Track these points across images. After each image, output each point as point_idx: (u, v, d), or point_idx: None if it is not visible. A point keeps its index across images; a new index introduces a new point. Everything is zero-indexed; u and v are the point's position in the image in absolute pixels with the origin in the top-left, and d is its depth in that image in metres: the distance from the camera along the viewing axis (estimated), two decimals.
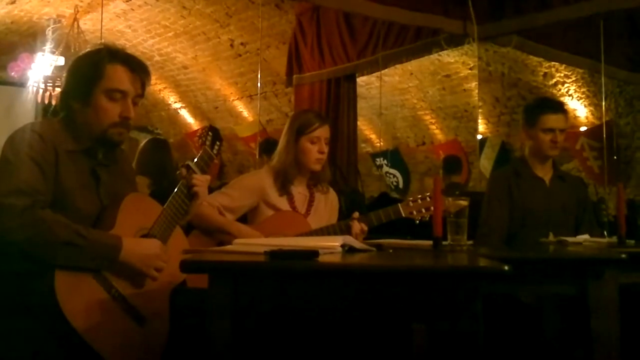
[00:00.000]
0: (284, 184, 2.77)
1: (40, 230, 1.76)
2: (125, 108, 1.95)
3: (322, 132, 2.78)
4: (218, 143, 2.21)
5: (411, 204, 2.74)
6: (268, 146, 4.81)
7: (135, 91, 1.98)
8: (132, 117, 1.97)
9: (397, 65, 6.46)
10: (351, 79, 5.97)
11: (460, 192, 2.61)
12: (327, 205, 2.89)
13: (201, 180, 2.08)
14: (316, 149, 2.76)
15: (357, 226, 2.65)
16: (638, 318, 2.38)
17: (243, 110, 9.39)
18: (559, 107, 3.17)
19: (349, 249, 1.85)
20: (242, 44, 7.93)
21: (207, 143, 2.16)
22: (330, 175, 2.94)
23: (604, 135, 5.96)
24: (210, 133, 2.20)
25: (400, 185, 8.63)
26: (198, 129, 9.19)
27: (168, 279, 1.99)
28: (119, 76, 1.95)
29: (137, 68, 2.00)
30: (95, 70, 1.93)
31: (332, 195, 2.95)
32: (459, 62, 7.13)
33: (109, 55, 1.96)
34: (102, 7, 6.70)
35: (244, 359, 1.62)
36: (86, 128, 1.95)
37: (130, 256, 1.86)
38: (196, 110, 10.07)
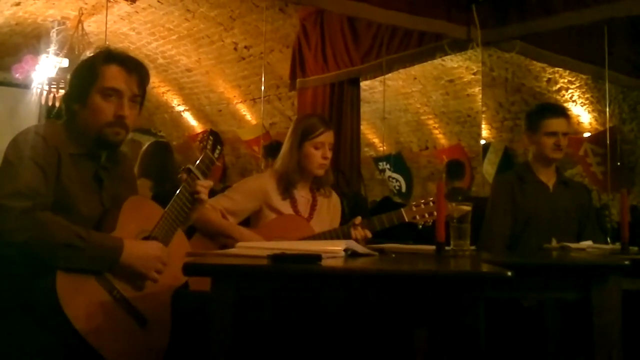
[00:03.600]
0: (286, 188, 2.77)
1: (39, 232, 1.76)
2: (119, 107, 1.95)
3: (326, 137, 2.78)
4: (219, 147, 2.22)
5: (414, 208, 2.74)
6: (273, 149, 4.79)
7: (131, 91, 1.98)
8: (127, 116, 1.96)
9: (401, 70, 6.45)
10: (355, 83, 5.97)
11: (463, 197, 2.60)
12: (329, 209, 2.89)
13: (204, 187, 2.08)
14: (320, 154, 2.76)
15: (357, 233, 2.64)
16: None
17: (246, 113, 9.39)
18: (561, 111, 3.17)
19: (351, 254, 1.85)
20: (245, 47, 7.93)
21: (208, 147, 2.17)
22: (333, 179, 2.94)
23: (608, 141, 5.94)
24: (210, 137, 2.21)
25: (403, 190, 8.63)
26: (201, 132, 9.19)
27: (170, 282, 1.99)
28: (113, 75, 1.96)
29: (134, 68, 2.00)
30: (91, 71, 1.96)
31: (335, 198, 2.95)
32: (462, 67, 7.12)
33: (105, 57, 1.99)
34: (106, 9, 6.70)
35: None
36: (85, 129, 1.96)
37: (131, 258, 1.86)
38: (199, 113, 10.07)
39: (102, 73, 1.95)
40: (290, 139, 2.80)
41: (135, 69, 2.01)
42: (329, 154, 2.79)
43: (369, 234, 2.67)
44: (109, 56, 1.99)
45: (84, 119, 1.96)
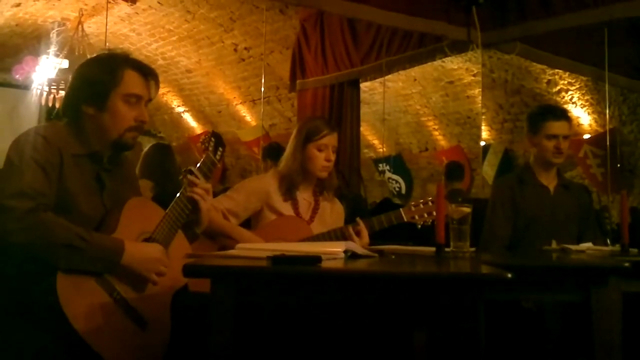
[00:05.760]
0: (289, 190, 2.75)
1: (41, 233, 1.76)
2: (140, 112, 2.00)
3: (330, 139, 2.77)
4: (220, 149, 2.21)
5: (413, 208, 2.73)
6: (272, 151, 4.80)
7: (148, 96, 2.03)
8: (147, 121, 2.02)
9: (401, 71, 6.46)
10: (354, 84, 5.97)
11: (463, 199, 2.60)
12: (332, 214, 2.87)
13: (203, 190, 2.08)
14: (323, 157, 2.75)
15: (350, 231, 2.64)
16: None
17: (246, 114, 9.40)
18: (562, 114, 3.17)
19: (351, 255, 1.85)
20: (245, 48, 7.94)
21: (210, 149, 2.16)
22: (337, 183, 2.92)
23: (608, 143, 5.94)
24: (212, 139, 2.20)
25: (403, 191, 8.63)
26: (201, 133, 9.20)
27: (170, 283, 1.99)
28: (135, 81, 1.99)
29: (149, 73, 2.04)
30: (112, 75, 1.96)
31: (338, 205, 2.93)
32: (462, 68, 7.13)
33: (124, 62, 2.00)
34: (106, 10, 6.71)
35: None
36: (100, 133, 1.97)
37: (132, 260, 1.86)
38: (199, 114, 10.08)
39: (124, 78, 1.97)
40: (294, 141, 2.79)
41: (151, 74, 2.05)
42: (333, 157, 2.78)
43: (363, 231, 2.65)
44: (128, 61, 2.01)
45: (101, 122, 1.96)
